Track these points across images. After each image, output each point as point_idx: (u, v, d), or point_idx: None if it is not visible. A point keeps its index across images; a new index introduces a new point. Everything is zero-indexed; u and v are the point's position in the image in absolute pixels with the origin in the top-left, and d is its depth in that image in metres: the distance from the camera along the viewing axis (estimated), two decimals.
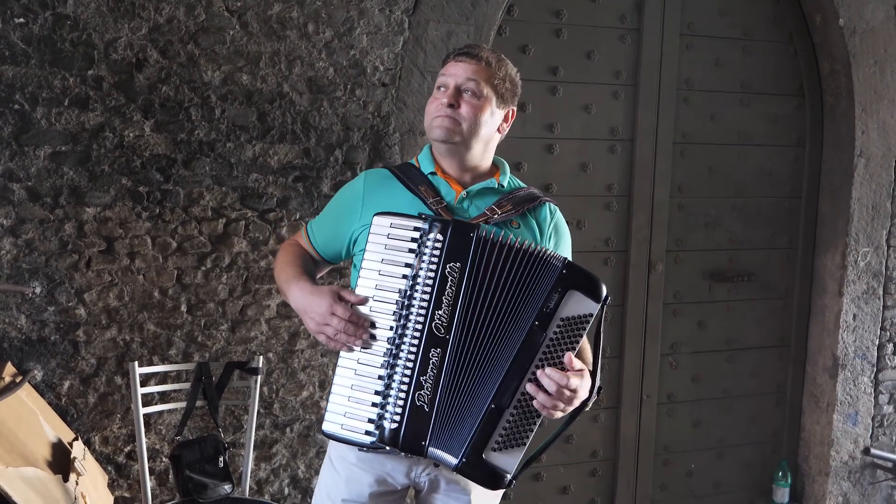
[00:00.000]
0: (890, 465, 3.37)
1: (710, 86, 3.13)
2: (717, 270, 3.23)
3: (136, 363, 2.36)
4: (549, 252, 1.58)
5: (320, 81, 2.55)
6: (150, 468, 2.48)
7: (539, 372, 1.53)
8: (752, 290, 3.29)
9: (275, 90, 2.51)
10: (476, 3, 2.68)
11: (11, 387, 2.17)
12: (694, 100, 3.11)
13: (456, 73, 1.70)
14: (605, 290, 1.57)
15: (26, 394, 2.22)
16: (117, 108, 2.38)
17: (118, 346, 2.46)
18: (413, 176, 1.75)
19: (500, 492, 1.76)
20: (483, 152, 1.76)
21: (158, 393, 2.48)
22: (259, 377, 2.49)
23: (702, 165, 3.16)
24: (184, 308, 2.52)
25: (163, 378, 2.48)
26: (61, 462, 2.09)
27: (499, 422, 1.54)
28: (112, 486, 2.49)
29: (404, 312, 1.56)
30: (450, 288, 1.55)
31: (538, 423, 1.57)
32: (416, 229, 1.58)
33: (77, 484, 2.05)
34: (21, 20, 2.27)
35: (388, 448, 1.57)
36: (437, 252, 1.55)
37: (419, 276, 1.56)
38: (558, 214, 1.82)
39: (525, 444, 1.57)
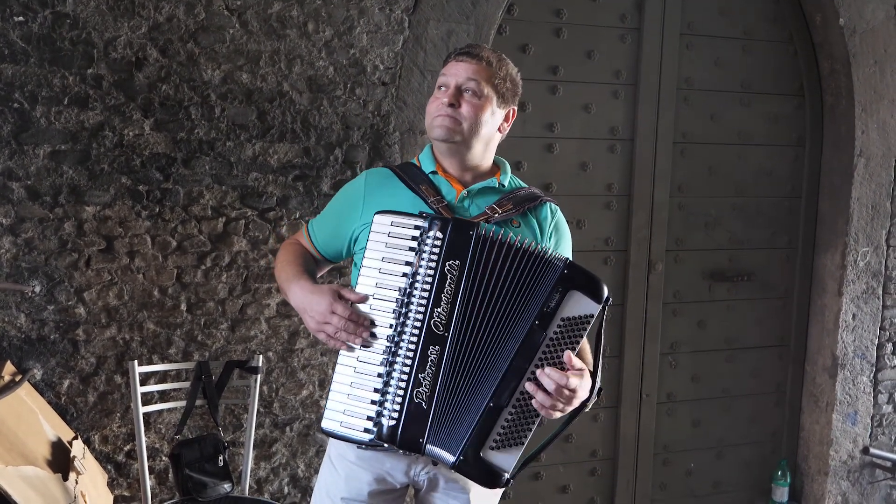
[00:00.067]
0: (889, 464, 3.38)
1: (710, 85, 3.12)
2: (716, 270, 3.23)
3: (136, 362, 2.36)
4: (550, 252, 1.58)
5: (320, 80, 2.55)
6: (149, 467, 2.48)
7: (538, 371, 1.53)
8: (751, 289, 3.29)
9: (275, 89, 2.51)
10: (476, 2, 2.67)
11: (11, 385, 2.16)
12: (694, 99, 3.11)
13: (457, 72, 1.70)
14: (606, 292, 1.57)
15: (26, 393, 2.22)
16: (117, 107, 2.38)
17: (118, 345, 2.46)
18: (414, 175, 1.75)
19: (499, 491, 1.77)
20: (484, 152, 1.76)
21: (158, 392, 2.48)
22: (259, 376, 2.49)
23: (702, 165, 3.16)
24: (183, 307, 2.52)
25: (162, 377, 2.48)
26: (61, 461, 2.09)
27: (497, 420, 1.54)
28: (112, 484, 2.49)
29: (404, 310, 1.56)
30: (449, 286, 1.55)
31: (537, 423, 1.57)
32: (416, 228, 1.58)
33: (77, 483, 2.05)
34: (20, 18, 2.26)
35: (386, 445, 1.57)
36: (436, 250, 1.56)
37: (419, 274, 1.56)
38: (559, 214, 1.82)
39: (523, 444, 1.57)
